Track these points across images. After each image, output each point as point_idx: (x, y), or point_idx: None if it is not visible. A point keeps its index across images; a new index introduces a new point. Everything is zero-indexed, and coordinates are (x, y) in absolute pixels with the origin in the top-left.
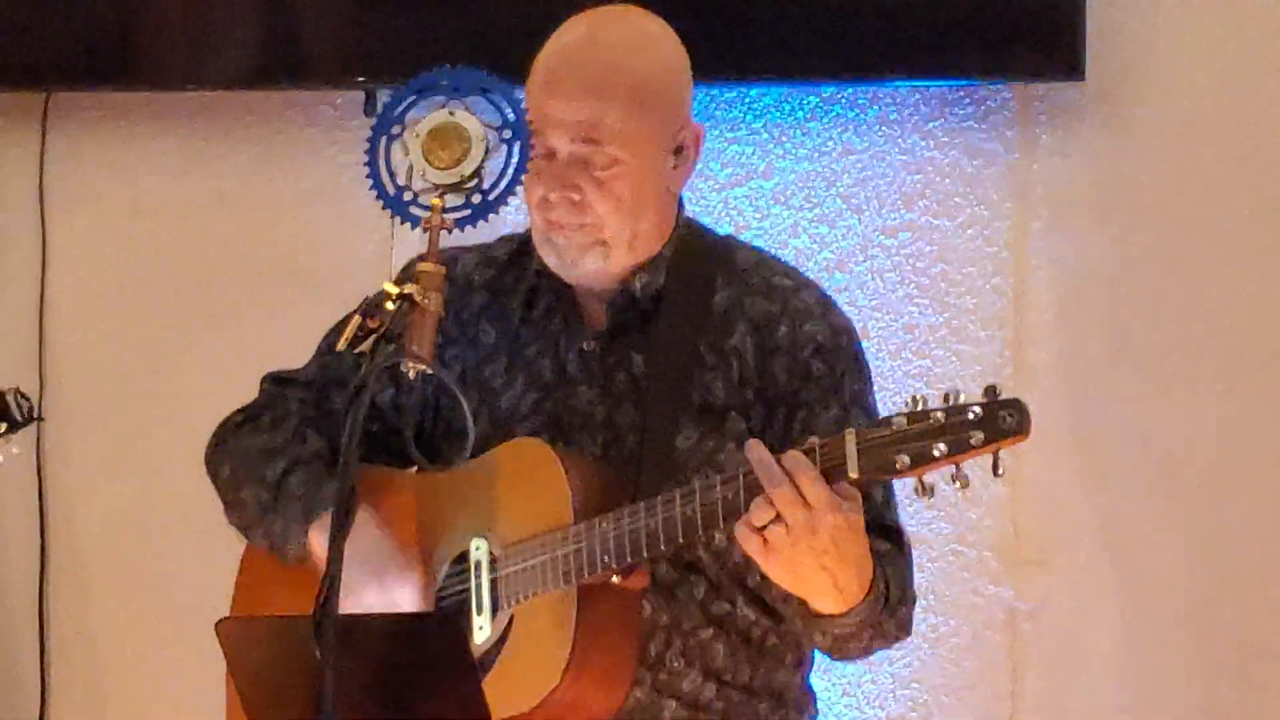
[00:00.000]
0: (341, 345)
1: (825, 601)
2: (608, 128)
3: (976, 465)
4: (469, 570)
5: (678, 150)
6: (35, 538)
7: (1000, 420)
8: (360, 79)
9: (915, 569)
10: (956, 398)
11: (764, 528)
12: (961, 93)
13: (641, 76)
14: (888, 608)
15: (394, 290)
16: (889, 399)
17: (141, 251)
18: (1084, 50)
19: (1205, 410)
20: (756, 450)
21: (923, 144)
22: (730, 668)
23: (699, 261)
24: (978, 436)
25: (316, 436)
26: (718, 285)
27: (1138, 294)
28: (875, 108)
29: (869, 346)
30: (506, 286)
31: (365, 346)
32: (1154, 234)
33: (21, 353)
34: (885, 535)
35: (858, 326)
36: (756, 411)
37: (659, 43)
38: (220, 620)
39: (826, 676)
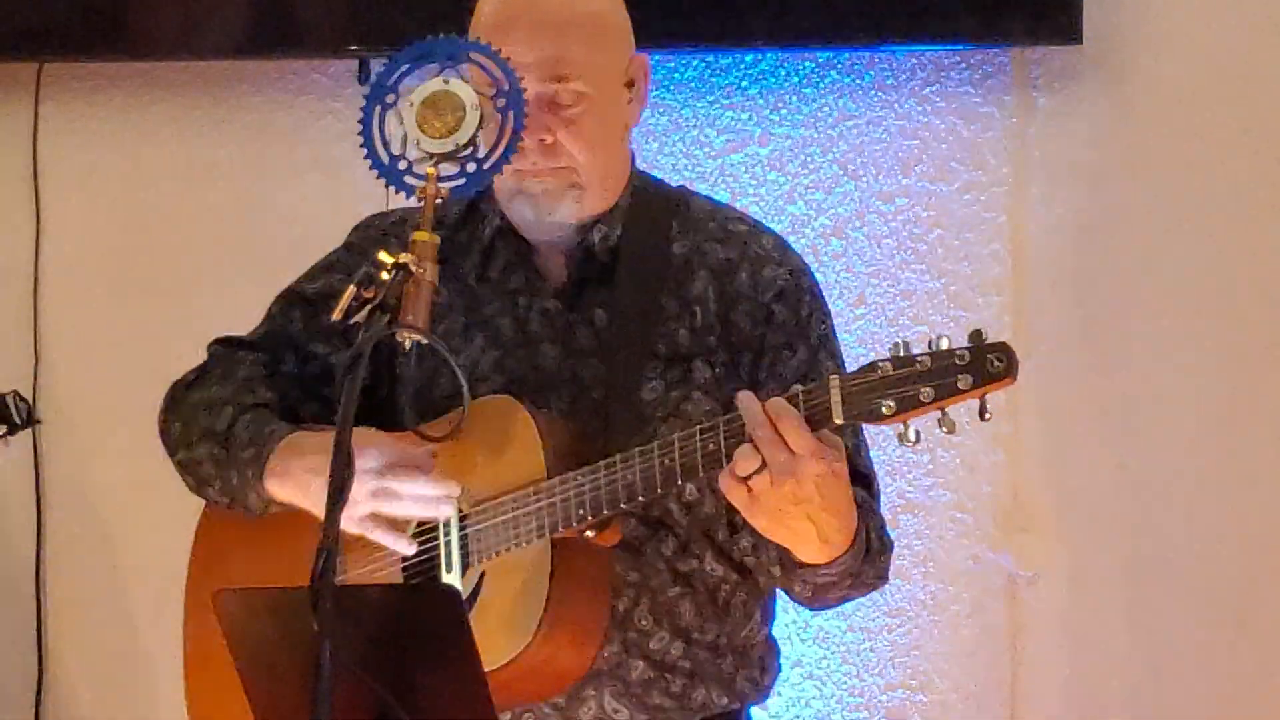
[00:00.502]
0: (337, 315)
1: (810, 551)
2: (573, 61)
3: (968, 436)
4: (437, 528)
5: (630, 84)
6: (31, 510)
7: (988, 364)
8: (354, 48)
9: (915, 536)
10: (939, 342)
11: (749, 477)
12: (958, 57)
13: (594, 13)
14: (868, 556)
15: (389, 260)
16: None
17: (136, 222)
18: (1081, 14)
19: (1205, 373)
20: (744, 399)
21: (919, 109)
22: (697, 626)
23: (654, 212)
24: (965, 380)
25: (265, 390)
26: (674, 234)
27: (1136, 257)
28: (871, 73)
29: (866, 312)
30: (460, 246)
31: (361, 316)
32: (1152, 197)
33: (16, 324)
34: (859, 481)
35: (855, 292)
36: (720, 358)
37: None
38: (217, 591)
39: (825, 644)
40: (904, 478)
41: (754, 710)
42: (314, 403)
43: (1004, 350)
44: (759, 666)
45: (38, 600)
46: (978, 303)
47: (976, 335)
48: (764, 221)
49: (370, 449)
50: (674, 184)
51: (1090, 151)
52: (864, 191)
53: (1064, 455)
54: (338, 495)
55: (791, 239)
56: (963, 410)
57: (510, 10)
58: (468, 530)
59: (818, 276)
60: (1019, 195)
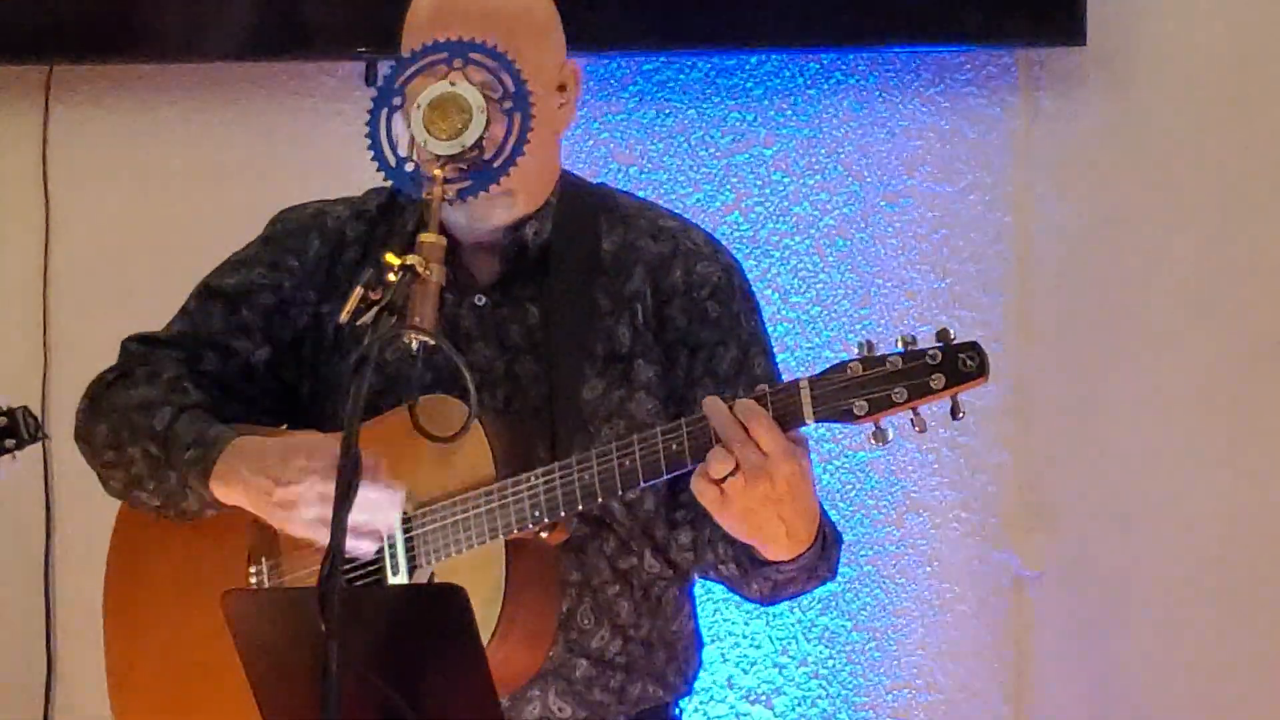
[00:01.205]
0: (344, 317)
1: (777, 549)
2: (512, 53)
3: (973, 437)
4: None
5: (561, 88)
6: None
7: (960, 363)
8: (361, 50)
9: (920, 536)
10: (913, 342)
11: (723, 480)
12: (963, 59)
13: (525, 12)
14: (824, 550)
15: (396, 261)
16: None
17: (145, 224)
18: (1085, 16)
19: (1208, 372)
20: (711, 403)
21: (924, 110)
22: (632, 622)
23: (582, 209)
24: (938, 380)
25: (195, 390)
26: (603, 231)
27: (1140, 257)
28: (876, 74)
29: (871, 312)
30: (379, 239)
31: (368, 318)
32: (1155, 198)
33: (25, 325)
34: None
35: (860, 293)
36: (656, 355)
37: None
38: (226, 592)
39: (830, 644)
40: (909, 478)
41: (683, 702)
42: (236, 403)
43: (975, 349)
44: (685, 659)
45: (47, 607)
46: (983, 303)
47: (944, 334)
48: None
49: (319, 450)
50: (594, 182)
51: (1094, 152)
52: (869, 192)
53: (1068, 454)
54: (345, 496)
55: (796, 239)
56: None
57: (444, 3)
58: (413, 532)
59: (823, 276)
60: (1023, 196)
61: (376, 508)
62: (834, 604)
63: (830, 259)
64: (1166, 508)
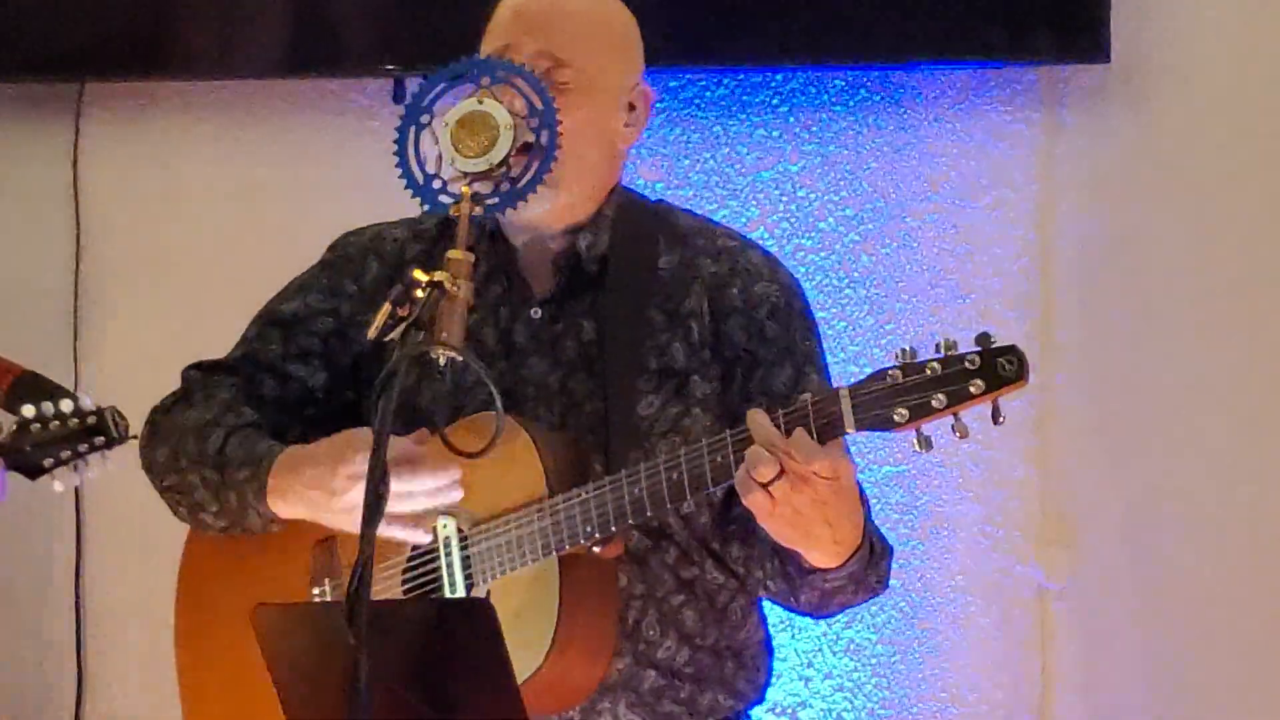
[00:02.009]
0: (372, 333)
1: (824, 555)
2: (573, 51)
3: (997, 451)
4: (437, 548)
5: (631, 106)
6: (72, 527)
7: (999, 368)
8: (390, 68)
9: (945, 551)
10: (952, 347)
11: (769, 483)
12: (987, 75)
13: (602, 22)
14: (871, 559)
15: (424, 277)
16: None
17: (174, 239)
18: (1109, 33)
19: (1232, 387)
20: (755, 417)
21: (948, 127)
22: (699, 631)
23: (641, 225)
24: (978, 385)
25: (249, 411)
26: (661, 249)
27: (1164, 274)
28: (900, 91)
29: (896, 328)
30: (438, 258)
31: (395, 334)
32: (1179, 214)
33: (56, 339)
34: None
35: (885, 309)
36: (713, 372)
37: (620, 5)
38: (256, 606)
39: (856, 657)
40: (933, 492)
41: (754, 711)
42: (296, 426)
43: (1014, 353)
44: (755, 667)
45: (77, 611)
46: (1006, 318)
47: (984, 339)
48: (751, 237)
49: (363, 451)
50: (652, 199)
51: (1118, 169)
52: (893, 208)
53: (1093, 469)
54: (374, 510)
55: (821, 255)
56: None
57: (526, 8)
58: (469, 551)
59: (848, 291)
60: (1047, 212)
61: (435, 495)
62: (859, 617)
63: (855, 275)
64: (1190, 521)
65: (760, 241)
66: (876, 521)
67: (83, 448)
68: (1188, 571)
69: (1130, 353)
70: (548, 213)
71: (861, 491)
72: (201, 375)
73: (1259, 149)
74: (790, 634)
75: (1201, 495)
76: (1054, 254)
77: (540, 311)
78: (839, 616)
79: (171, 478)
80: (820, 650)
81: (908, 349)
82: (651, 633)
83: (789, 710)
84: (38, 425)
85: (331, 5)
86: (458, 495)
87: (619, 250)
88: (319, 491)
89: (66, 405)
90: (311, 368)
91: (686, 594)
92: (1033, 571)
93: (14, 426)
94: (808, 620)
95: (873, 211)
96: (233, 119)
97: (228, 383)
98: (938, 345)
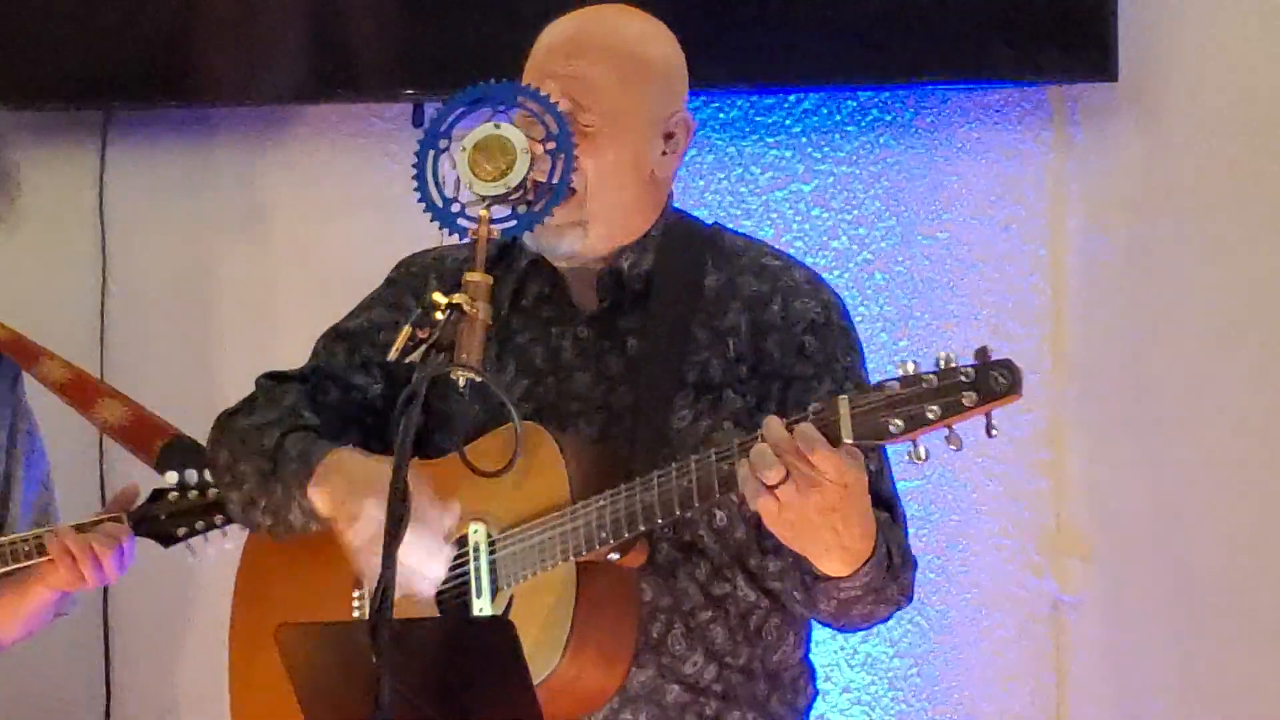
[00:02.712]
0: (393, 355)
1: (833, 562)
2: (598, 93)
3: (1011, 465)
4: (468, 554)
5: (669, 135)
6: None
7: (992, 381)
8: (409, 92)
9: (960, 564)
10: (949, 361)
11: (775, 487)
12: (997, 95)
13: (637, 59)
14: (890, 570)
15: (443, 300)
16: None
17: (198, 260)
18: (1116, 51)
19: (1243, 402)
20: (771, 422)
21: (959, 146)
22: (729, 649)
23: (688, 245)
24: (970, 397)
25: (312, 415)
26: (708, 268)
27: (1173, 288)
28: (911, 111)
29: (910, 344)
30: (497, 279)
31: (416, 356)
32: (1188, 228)
33: (83, 360)
34: (881, 505)
35: (898, 325)
36: (751, 387)
37: (656, 34)
38: (279, 626)
39: (872, 670)
40: (948, 507)
41: None
42: (355, 433)
43: (1008, 367)
44: (793, 689)
45: (105, 623)
46: (1018, 334)
47: (981, 353)
48: (797, 257)
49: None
50: (708, 222)
51: (1127, 185)
52: (906, 226)
53: (1106, 482)
54: (394, 530)
55: (835, 273)
56: (1005, 442)
57: (560, 35)
58: (497, 555)
59: (861, 309)
60: (1057, 229)
61: (429, 555)
62: (875, 630)
63: (869, 292)
64: (1204, 532)
65: None
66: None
67: (219, 519)
68: (1202, 582)
69: (1141, 366)
70: (585, 248)
71: (900, 505)
72: (270, 383)
73: (1266, 164)
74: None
75: (1214, 506)
76: (1065, 270)
77: (586, 330)
78: (854, 634)
79: (226, 476)
80: (837, 665)
81: (910, 363)
82: (677, 647)
83: None
84: (176, 494)
85: (351, 31)
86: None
87: (664, 269)
88: (348, 495)
89: (210, 474)
90: (372, 378)
91: (715, 610)
92: (1047, 584)
93: (149, 495)
94: (828, 633)
95: (885, 230)
96: (255, 143)
97: (294, 389)
98: (937, 360)
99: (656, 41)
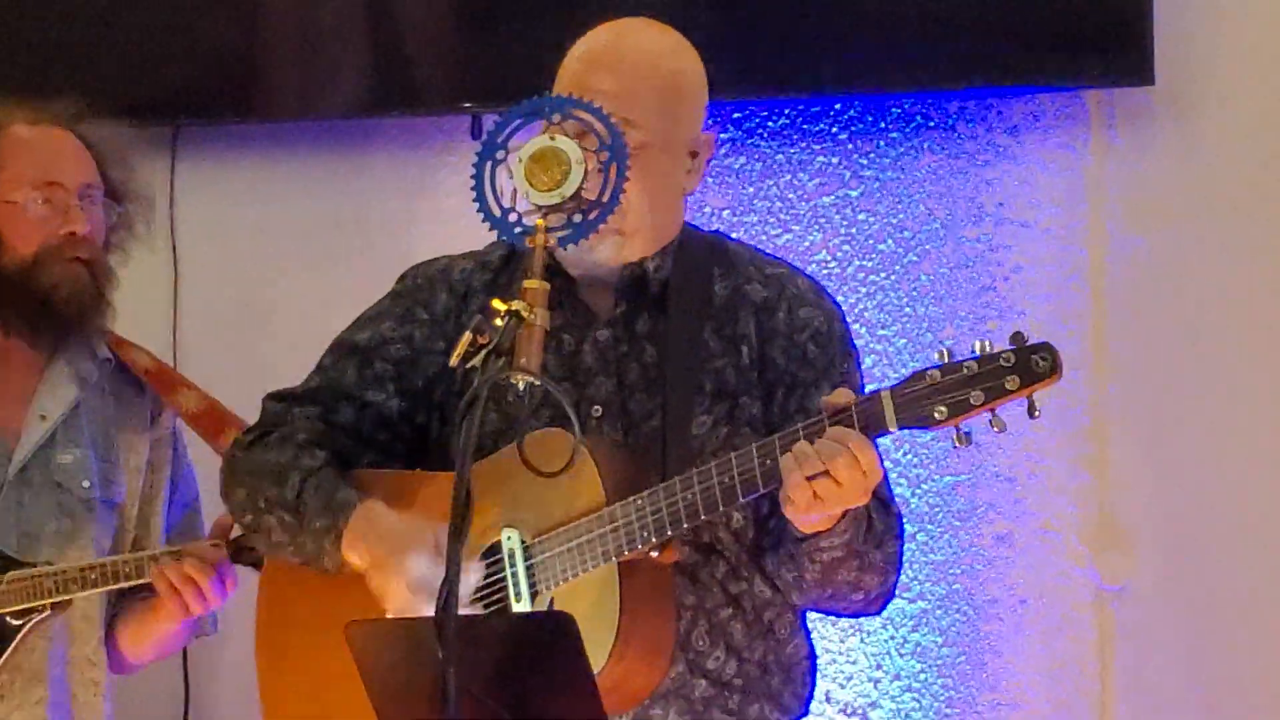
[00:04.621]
0: (454, 361)
1: (819, 525)
2: (643, 111)
3: (1055, 460)
4: (503, 561)
5: (694, 154)
6: None
7: (1033, 364)
8: (467, 105)
9: (1006, 557)
10: (988, 347)
11: (813, 478)
12: (1037, 100)
13: (673, 77)
14: (872, 534)
15: (502, 306)
16: None
17: (265, 269)
18: (1153, 56)
19: (1278, 392)
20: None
21: (1001, 150)
22: (746, 645)
23: (699, 255)
24: (1013, 381)
25: (321, 452)
26: (715, 276)
27: (1211, 288)
28: (953, 117)
29: (954, 345)
30: (502, 286)
31: (476, 361)
32: (1225, 229)
33: None
34: (882, 509)
35: (942, 324)
36: (759, 392)
37: (687, 50)
38: (349, 623)
39: (922, 659)
40: (994, 501)
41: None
42: (371, 452)
43: (1048, 350)
44: (801, 681)
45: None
46: (1060, 333)
47: (1019, 337)
48: (800, 266)
49: (414, 556)
50: (707, 230)
51: (1165, 187)
52: (949, 229)
53: (1147, 475)
54: (459, 531)
55: (881, 275)
56: (1049, 438)
57: (599, 54)
58: (533, 560)
59: (907, 310)
60: (1097, 230)
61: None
62: (925, 621)
63: (914, 294)
64: (1243, 524)
65: (823, 263)
66: (934, 530)
67: None
68: (1241, 572)
69: (1180, 364)
70: (618, 257)
71: (895, 504)
72: (281, 407)
73: None
74: (860, 638)
75: (1253, 498)
76: (1104, 270)
77: (607, 333)
78: (904, 621)
79: (249, 517)
80: (888, 653)
81: (946, 350)
82: (701, 643)
83: (860, 710)
84: None
85: (411, 46)
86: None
87: (678, 277)
88: (388, 555)
89: None
90: (386, 393)
91: (734, 608)
92: (1090, 575)
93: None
94: (879, 623)
95: (929, 233)
96: (319, 156)
97: (307, 414)
98: (974, 347)
99: (688, 59)
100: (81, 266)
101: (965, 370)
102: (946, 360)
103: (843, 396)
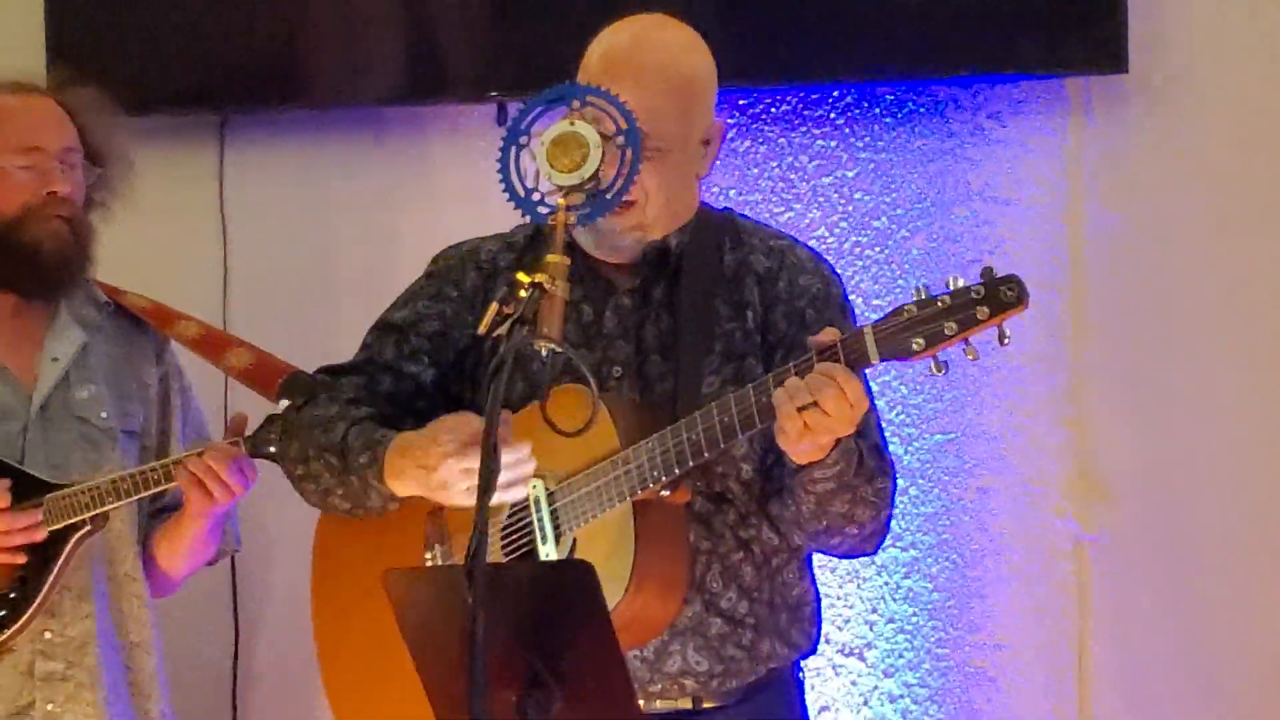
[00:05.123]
0: (482, 329)
1: (811, 456)
2: (660, 119)
3: (1036, 420)
4: (529, 507)
5: (706, 142)
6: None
7: (1001, 295)
8: (493, 94)
9: (991, 509)
10: (957, 282)
11: (803, 409)
12: (1019, 87)
13: (687, 75)
14: (863, 469)
15: (526, 279)
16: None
17: (308, 248)
18: (1126, 46)
19: (1245, 357)
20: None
21: (987, 133)
22: (756, 586)
23: (709, 230)
24: (983, 311)
25: (365, 408)
26: (726, 248)
27: (1180, 258)
28: (944, 103)
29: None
30: (526, 265)
31: (502, 330)
32: (1193, 203)
33: None
34: (873, 454)
35: (935, 292)
36: (762, 354)
37: (701, 47)
38: (386, 571)
39: (915, 603)
40: (981, 457)
41: (806, 663)
42: (410, 418)
43: (1014, 281)
44: (809, 620)
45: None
46: (1041, 300)
47: (988, 272)
48: (802, 237)
49: (454, 430)
50: (719, 206)
51: (1137, 167)
52: (939, 206)
53: (1122, 432)
54: (486, 486)
55: (876, 249)
56: (1031, 399)
57: (616, 60)
58: (557, 505)
59: (900, 281)
60: (1075, 207)
61: (513, 470)
62: (916, 568)
63: (906, 266)
64: (1211, 476)
65: (822, 239)
66: (925, 484)
67: None
68: (1208, 521)
69: (1152, 329)
70: (637, 246)
71: (887, 452)
72: (328, 379)
73: (1261, 144)
74: (856, 584)
75: (1220, 453)
76: (1082, 243)
77: (627, 300)
78: (897, 568)
79: (301, 467)
80: (883, 598)
81: (923, 288)
82: (715, 585)
83: (857, 650)
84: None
85: (442, 40)
86: (531, 466)
87: (692, 251)
88: (421, 469)
89: None
90: (422, 365)
91: (745, 552)
92: (1070, 525)
93: (263, 421)
94: (874, 569)
95: (920, 210)
96: (356, 141)
97: (351, 382)
98: (947, 282)
99: (699, 56)
100: (63, 223)
101: (939, 304)
102: (923, 296)
103: (829, 334)
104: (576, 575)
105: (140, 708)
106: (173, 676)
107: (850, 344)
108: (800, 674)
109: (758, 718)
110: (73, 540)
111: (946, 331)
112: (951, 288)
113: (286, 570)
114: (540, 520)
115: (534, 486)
